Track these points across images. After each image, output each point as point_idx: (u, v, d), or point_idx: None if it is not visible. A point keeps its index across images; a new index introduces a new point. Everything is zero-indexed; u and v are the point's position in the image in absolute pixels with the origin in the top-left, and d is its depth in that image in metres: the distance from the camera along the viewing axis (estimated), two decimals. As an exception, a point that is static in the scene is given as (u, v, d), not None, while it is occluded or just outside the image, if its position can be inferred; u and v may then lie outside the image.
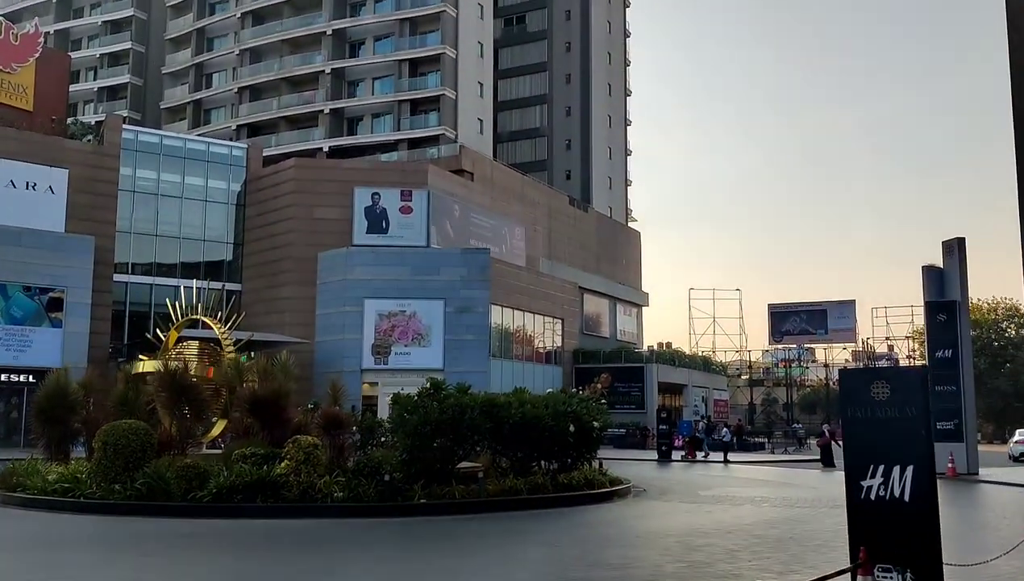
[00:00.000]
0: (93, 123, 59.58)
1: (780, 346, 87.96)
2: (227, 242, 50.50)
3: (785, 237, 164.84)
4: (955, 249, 27.41)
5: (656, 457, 38.04)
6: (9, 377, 40.23)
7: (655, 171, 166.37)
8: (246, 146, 52.87)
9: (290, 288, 47.43)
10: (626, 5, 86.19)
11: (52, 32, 76.62)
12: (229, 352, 21.51)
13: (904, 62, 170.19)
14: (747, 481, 25.34)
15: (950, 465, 26.17)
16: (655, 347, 71.02)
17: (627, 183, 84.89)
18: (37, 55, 48.88)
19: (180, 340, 23.48)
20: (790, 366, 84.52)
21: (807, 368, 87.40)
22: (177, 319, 23.18)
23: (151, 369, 19.93)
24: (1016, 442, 34.37)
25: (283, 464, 15.52)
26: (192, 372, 19.03)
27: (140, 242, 48.17)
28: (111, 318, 45.64)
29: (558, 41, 77.76)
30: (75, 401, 18.58)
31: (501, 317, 49.49)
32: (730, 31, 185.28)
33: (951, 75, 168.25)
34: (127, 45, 75.11)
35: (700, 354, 76.55)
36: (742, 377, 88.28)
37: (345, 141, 63.87)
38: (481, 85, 66.31)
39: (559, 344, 55.87)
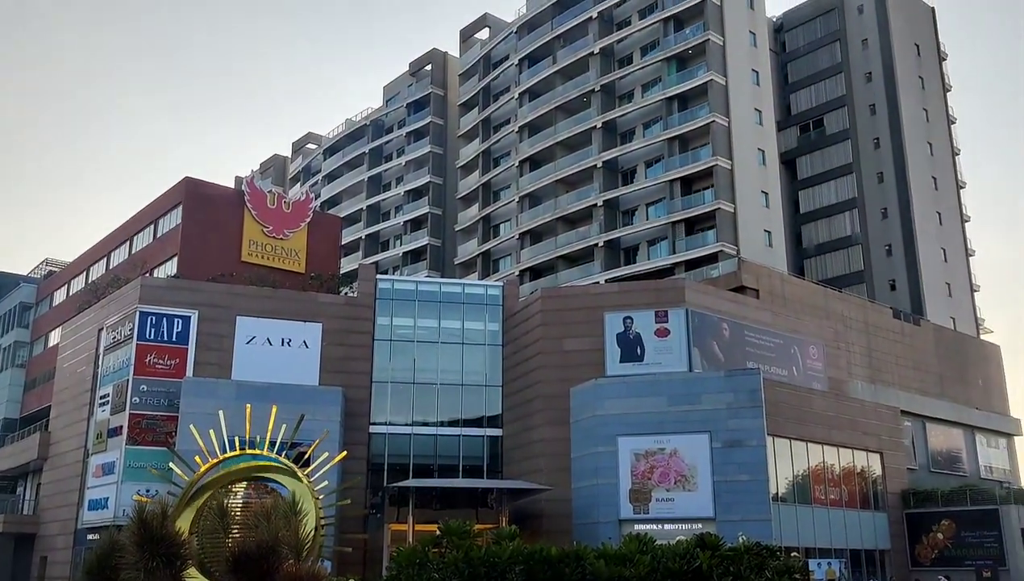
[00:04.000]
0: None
1: None
2: (485, 385, 47.77)
3: None
4: None
5: None
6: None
7: (1011, 271, 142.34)
8: (502, 285, 50.75)
9: (542, 430, 43.12)
10: (946, 89, 75.20)
11: (364, 208, 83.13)
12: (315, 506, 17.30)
13: None
14: None
15: None
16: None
17: (973, 288, 71.37)
18: (308, 220, 51.32)
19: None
20: None
21: None
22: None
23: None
24: None
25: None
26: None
27: (397, 391, 46.90)
28: (367, 471, 44.23)
29: (864, 139, 69.09)
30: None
31: (790, 452, 41.02)
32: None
33: None
34: (425, 210, 78.76)
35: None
36: None
37: (622, 271, 59.99)
38: (766, 194, 59.65)
39: (880, 484, 45.31)
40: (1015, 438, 65.83)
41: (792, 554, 15.84)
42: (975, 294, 71.74)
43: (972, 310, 70.59)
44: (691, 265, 56.75)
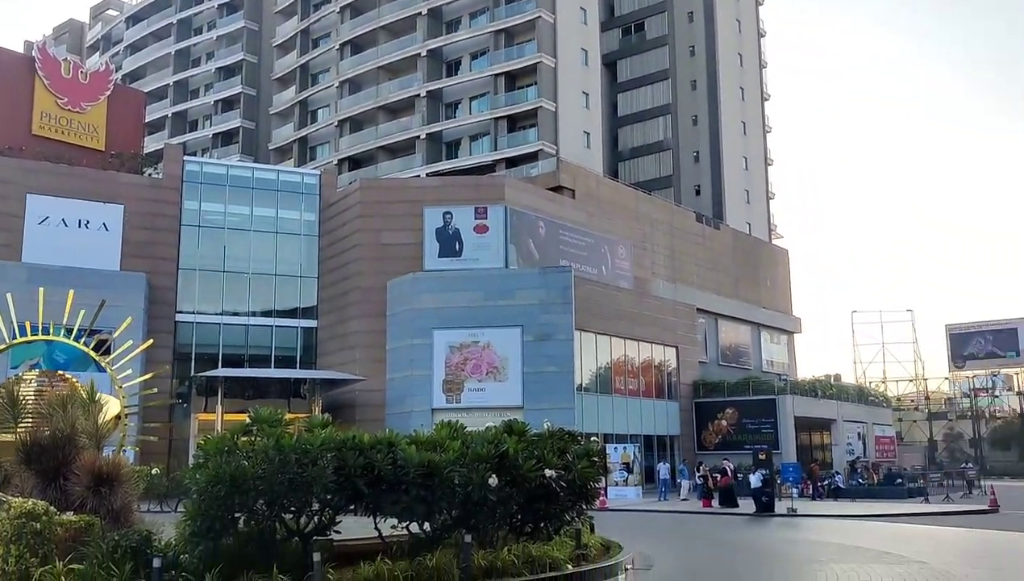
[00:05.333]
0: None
1: (964, 373, 76.20)
2: (300, 275, 46.91)
3: (959, 242, 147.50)
4: None
5: (733, 510, 30.58)
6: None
7: (807, 183, 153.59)
8: (319, 173, 49.45)
9: (359, 322, 43.10)
10: (759, 3, 78.34)
11: (172, 84, 77.85)
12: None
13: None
14: (822, 550, 17.88)
15: None
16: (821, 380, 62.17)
17: (769, 196, 76.32)
18: (108, 93, 47.58)
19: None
20: (975, 396, 72.75)
21: (998, 397, 74.98)
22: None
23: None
24: None
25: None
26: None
27: (207, 279, 45.26)
28: (173, 361, 42.81)
29: (681, 46, 71.09)
30: None
31: (595, 346, 43.12)
32: (887, 25, 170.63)
33: None
34: (238, 89, 74.76)
35: (857, 383, 66.50)
36: (918, 410, 76.77)
37: (443, 165, 59.68)
38: (587, 95, 60.58)
39: (674, 376, 48.62)
40: (795, 335, 71.95)
41: (592, 439, 16.82)
42: (771, 201, 76.75)
43: (767, 216, 75.59)
44: (512, 162, 57.23)
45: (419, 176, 58.12)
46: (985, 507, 30.48)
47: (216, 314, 45.13)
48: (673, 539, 20.53)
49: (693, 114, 70.22)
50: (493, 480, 12.17)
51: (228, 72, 76.29)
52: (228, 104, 75.85)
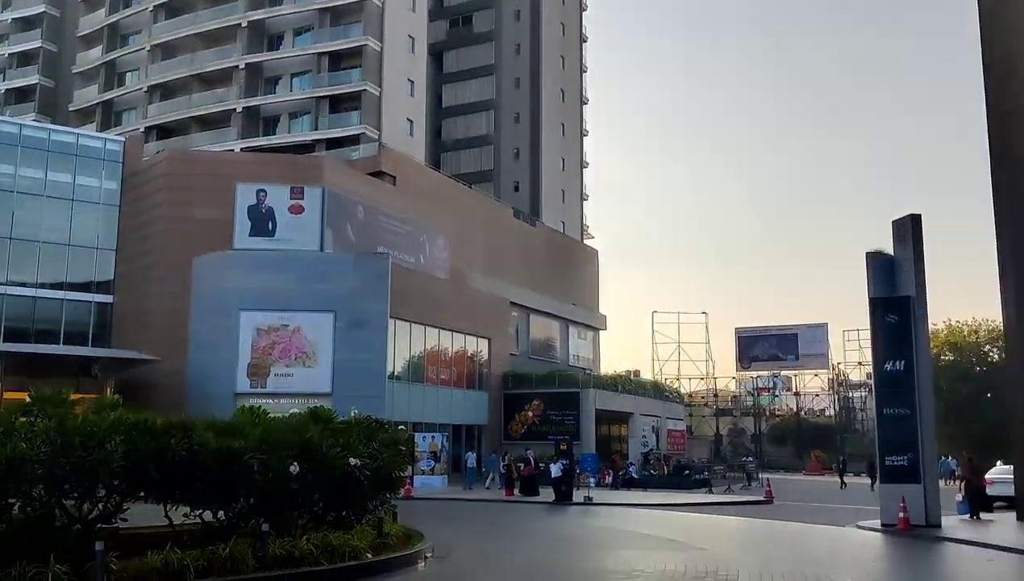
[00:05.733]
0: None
1: (750, 373, 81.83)
2: (97, 247, 44.04)
3: (755, 255, 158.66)
4: (908, 230, 21.17)
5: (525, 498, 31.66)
6: None
7: (617, 187, 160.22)
8: (123, 140, 46.62)
9: (161, 299, 41.05)
10: (583, 8, 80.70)
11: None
12: None
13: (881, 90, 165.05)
14: (611, 536, 18.84)
15: (901, 515, 19.74)
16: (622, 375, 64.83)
17: (583, 197, 78.91)
18: None
19: None
20: (758, 394, 78.35)
21: (777, 396, 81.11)
22: None
23: None
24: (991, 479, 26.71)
25: None
26: None
27: (-10, 246, 41.69)
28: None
29: (507, 43, 72.17)
30: None
31: (409, 335, 43.15)
32: (701, 44, 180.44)
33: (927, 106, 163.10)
34: (37, 43, 69.23)
35: (654, 379, 70.08)
36: (707, 406, 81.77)
37: (260, 141, 57.73)
38: (412, 83, 60.36)
39: (486, 367, 49.42)
40: (600, 332, 74.77)
41: (400, 427, 16.86)
42: (584, 202, 79.38)
43: (580, 216, 78.13)
44: (332, 144, 56.17)
45: (233, 151, 55.97)
46: (762, 498, 32.89)
47: (0, 284, 41.64)
48: (475, 527, 20.90)
49: (516, 111, 71.47)
50: (294, 468, 11.98)
51: (27, 24, 70.49)
52: (26, 58, 70.14)
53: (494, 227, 61.15)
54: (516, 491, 33.38)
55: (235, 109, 58.56)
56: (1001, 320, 25.09)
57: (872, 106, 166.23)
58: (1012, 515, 22.89)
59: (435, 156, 69.20)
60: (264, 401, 36.92)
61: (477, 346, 48.91)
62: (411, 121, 59.77)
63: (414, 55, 61.02)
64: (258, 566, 11.37)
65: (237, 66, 58.86)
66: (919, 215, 21.38)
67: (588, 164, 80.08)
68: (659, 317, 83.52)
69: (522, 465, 34.45)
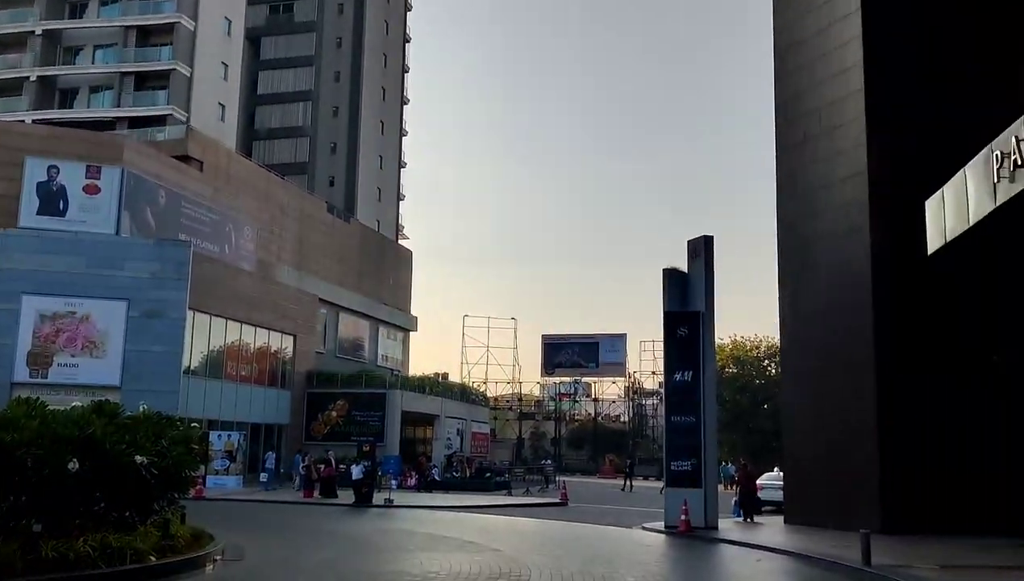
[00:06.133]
0: None
1: (553, 379, 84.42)
2: None
3: (564, 264, 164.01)
4: (702, 249, 22.67)
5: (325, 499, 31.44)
6: None
7: (435, 189, 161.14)
8: None
9: (-71, 278, 37.22)
10: (408, 8, 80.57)
11: None
12: None
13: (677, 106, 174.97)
14: (409, 539, 19.00)
15: (683, 517, 21.04)
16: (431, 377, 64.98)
17: (399, 197, 78.71)
18: None
19: None
20: (559, 400, 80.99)
21: (578, 402, 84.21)
22: None
23: None
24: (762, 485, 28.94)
25: None
26: None
27: None
28: None
29: (329, 35, 70.96)
30: None
31: (209, 328, 41.45)
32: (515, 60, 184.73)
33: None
34: None
35: (462, 383, 70.96)
36: (512, 410, 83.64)
37: (55, 114, 53.68)
38: (226, 66, 58.10)
39: (290, 365, 48.24)
40: (411, 333, 74.76)
41: (193, 424, 16.22)
42: (401, 202, 79.21)
43: (396, 216, 77.88)
44: (136, 123, 53.09)
45: (24, 121, 51.76)
46: (557, 500, 34.02)
47: None
48: (270, 529, 20.40)
49: (335, 105, 70.36)
50: (73, 464, 11.28)
51: None
52: None
53: (306, 221, 59.76)
54: (316, 493, 32.82)
55: (29, 77, 54.29)
56: (779, 338, 27.25)
57: (682, 126, 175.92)
58: (780, 518, 24.89)
59: (247, 144, 66.99)
60: (45, 392, 34.45)
61: (282, 343, 47.68)
62: (223, 106, 57.54)
63: (230, 38, 58.79)
64: (28, 569, 10.63)
65: (34, 31, 54.60)
66: (711, 236, 22.91)
67: (406, 164, 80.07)
68: (470, 321, 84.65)
69: (323, 466, 33.92)
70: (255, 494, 34.02)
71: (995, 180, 10.82)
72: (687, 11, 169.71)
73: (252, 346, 44.98)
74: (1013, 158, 10.29)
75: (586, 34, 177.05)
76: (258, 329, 45.10)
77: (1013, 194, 10.40)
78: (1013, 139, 10.24)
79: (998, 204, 10.85)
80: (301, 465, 36.00)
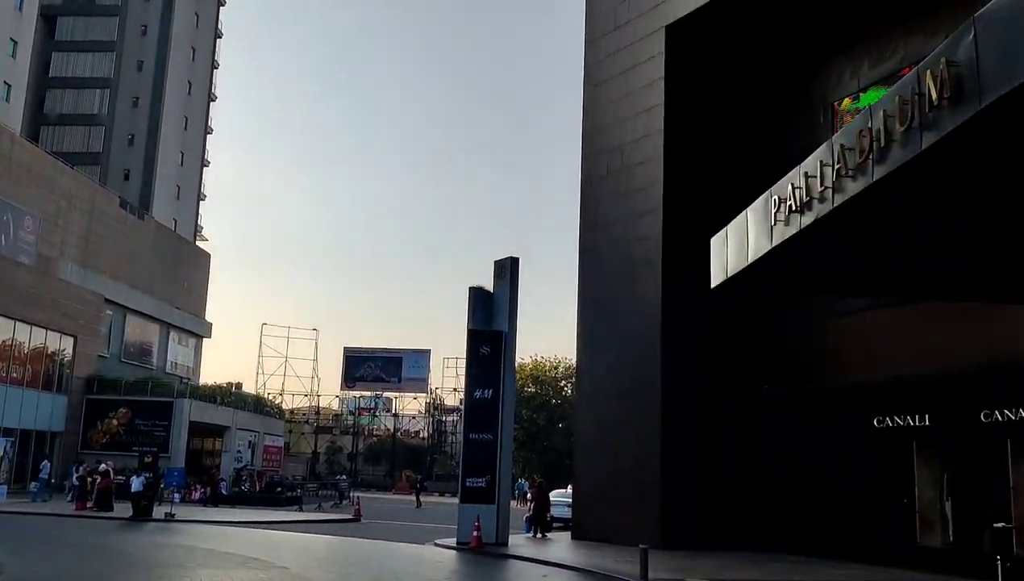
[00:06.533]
0: None
1: (354, 393, 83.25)
2: None
3: (370, 277, 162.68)
4: (508, 270, 23.19)
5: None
6: None
7: (240, 191, 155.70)
8: None
9: None
10: (220, 3, 77.65)
11: None
12: None
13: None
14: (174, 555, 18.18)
15: (475, 533, 21.30)
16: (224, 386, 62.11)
17: (200, 197, 75.36)
18: None
19: None
20: (359, 415, 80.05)
21: (378, 417, 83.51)
22: None
23: None
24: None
25: None
26: None
27: None
28: None
29: (133, 22, 67.27)
30: None
31: (-24, 324, 37.94)
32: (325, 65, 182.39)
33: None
34: None
35: (256, 394, 68.60)
36: (308, 423, 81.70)
37: None
38: (15, 43, 53.75)
39: (68, 368, 44.89)
40: (204, 340, 71.51)
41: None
42: (201, 202, 75.83)
43: (195, 216, 74.46)
44: (-99, 94, 48.11)
45: None
46: (350, 516, 33.51)
47: None
48: (35, 543, 18.87)
49: (136, 95, 66.68)
50: None
51: None
52: None
53: (96, 215, 56.00)
54: (90, 505, 30.65)
55: None
56: (575, 360, 28.25)
57: (502, 149, 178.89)
58: (568, 534, 25.71)
59: (34, 128, 62.17)
60: None
61: (60, 344, 44.32)
62: (9, 85, 53.19)
63: (21, 13, 54.50)
64: None
65: None
66: (517, 258, 23.49)
67: (210, 163, 76.91)
68: (269, 330, 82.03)
69: (99, 477, 31.74)
70: (22, 506, 31.36)
71: (772, 222, 11.76)
72: (514, 31, 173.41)
73: (26, 346, 41.56)
74: (788, 203, 11.24)
75: (413, 48, 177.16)
76: (34, 328, 41.76)
77: (788, 236, 11.36)
78: (790, 186, 11.18)
79: (774, 244, 11.80)
80: (75, 476, 33.53)
